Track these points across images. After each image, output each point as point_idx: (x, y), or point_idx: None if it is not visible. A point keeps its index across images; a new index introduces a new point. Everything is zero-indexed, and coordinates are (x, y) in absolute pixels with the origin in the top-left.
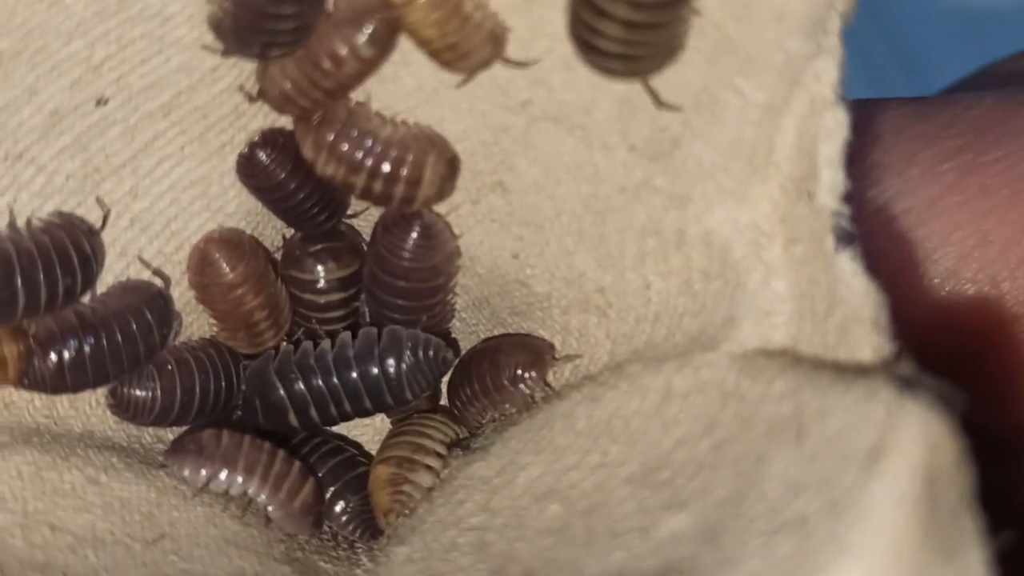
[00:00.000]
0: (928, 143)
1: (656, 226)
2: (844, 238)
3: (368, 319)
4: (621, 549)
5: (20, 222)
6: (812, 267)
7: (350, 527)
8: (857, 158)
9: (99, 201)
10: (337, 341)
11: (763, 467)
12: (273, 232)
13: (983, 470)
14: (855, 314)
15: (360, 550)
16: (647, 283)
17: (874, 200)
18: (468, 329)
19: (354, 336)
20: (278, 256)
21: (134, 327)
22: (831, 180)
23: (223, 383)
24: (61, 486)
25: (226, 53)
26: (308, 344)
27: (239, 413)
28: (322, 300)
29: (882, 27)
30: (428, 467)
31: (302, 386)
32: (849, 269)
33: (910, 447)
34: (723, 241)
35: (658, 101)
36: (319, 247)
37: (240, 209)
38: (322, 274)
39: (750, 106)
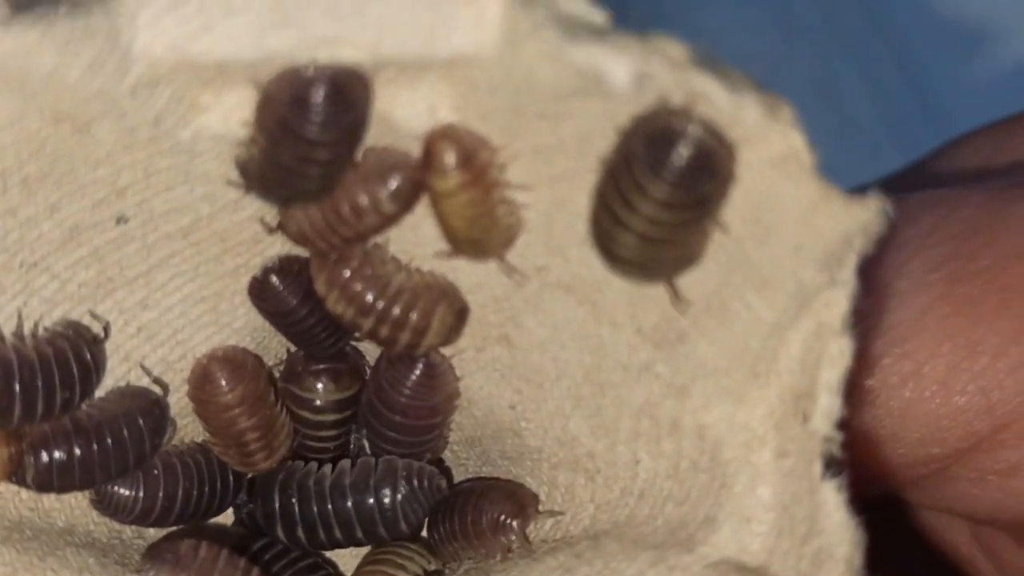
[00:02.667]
0: (915, 252)
1: (652, 409)
2: (833, 466)
3: (368, 450)
4: None
5: (28, 326)
6: (798, 485)
7: None
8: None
9: (95, 316)
10: (337, 468)
11: None
12: (278, 346)
13: None
14: (830, 549)
15: None
16: (637, 459)
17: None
18: (458, 462)
19: (353, 464)
20: (279, 368)
21: (126, 434)
22: (828, 406)
23: (207, 489)
24: None
25: (249, 191)
26: (312, 465)
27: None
28: (316, 419)
29: (885, 37)
30: None
31: (296, 507)
32: (832, 500)
33: None
34: (716, 438)
35: (675, 296)
36: (321, 367)
37: (247, 326)
38: (320, 394)
39: (759, 320)
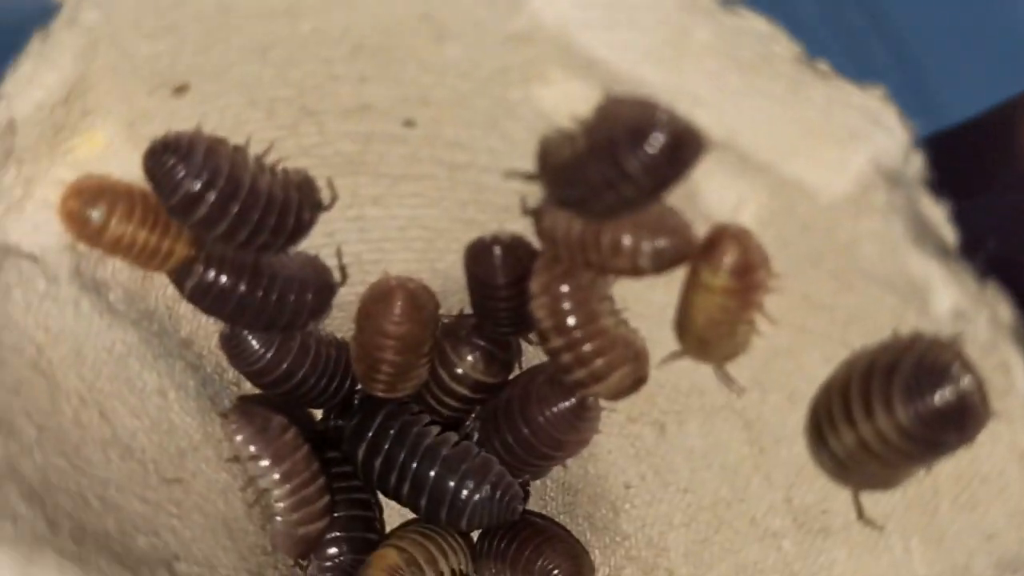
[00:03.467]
0: None
1: (755, 573)
2: None
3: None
4: None
5: (271, 160)
6: None
7: (323, 568)
8: None
9: (331, 187)
10: (442, 435)
11: None
12: (459, 303)
13: None
14: None
15: None
16: None
17: None
18: (545, 497)
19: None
20: (448, 318)
21: (290, 298)
22: None
23: (324, 382)
24: (136, 380)
25: (535, 176)
26: (423, 418)
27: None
28: (450, 385)
29: (886, 37)
30: None
31: (387, 444)
32: None
33: None
34: None
35: (856, 504)
36: (481, 343)
37: (447, 273)
38: (467, 365)
39: (908, 570)
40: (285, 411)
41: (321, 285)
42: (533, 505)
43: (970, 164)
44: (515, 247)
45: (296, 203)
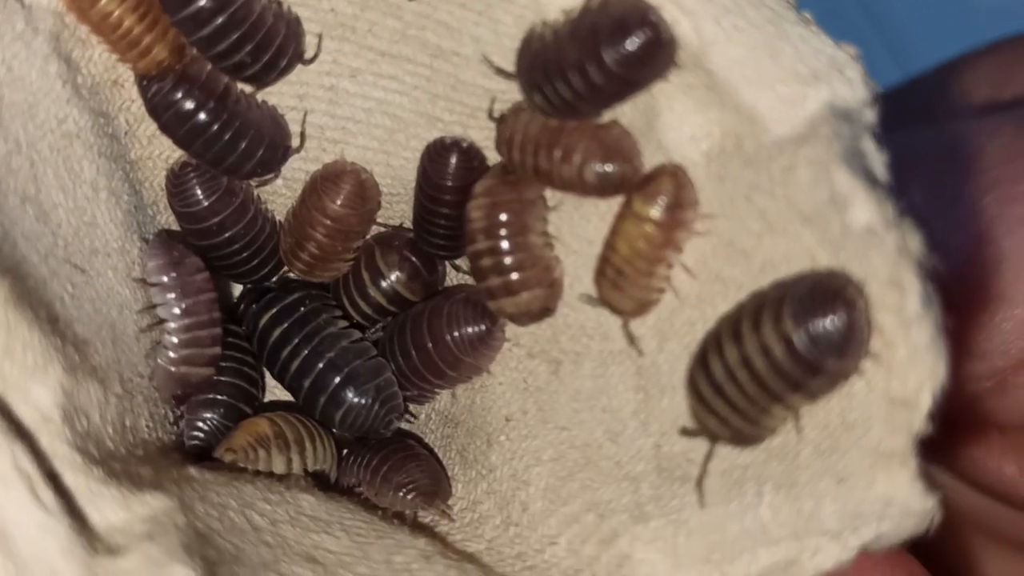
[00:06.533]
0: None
1: (605, 513)
2: None
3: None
4: None
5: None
6: None
7: (195, 425)
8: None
9: (319, 44)
10: (345, 330)
11: None
12: (399, 214)
13: None
14: None
15: None
16: (555, 540)
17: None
18: (424, 427)
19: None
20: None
21: (243, 144)
22: None
23: (251, 252)
24: (75, 162)
25: (513, 70)
26: (335, 312)
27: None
28: (368, 288)
29: (885, 36)
30: (288, 461)
31: (286, 324)
32: None
33: None
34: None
35: (710, 454)
36: (412, 258)
37: (402, 172)
38: (390, 274)
39: (756, 519)
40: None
41: (276, 141)
42: (414, 430)
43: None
44: (472, 155)
45: (281, 39)
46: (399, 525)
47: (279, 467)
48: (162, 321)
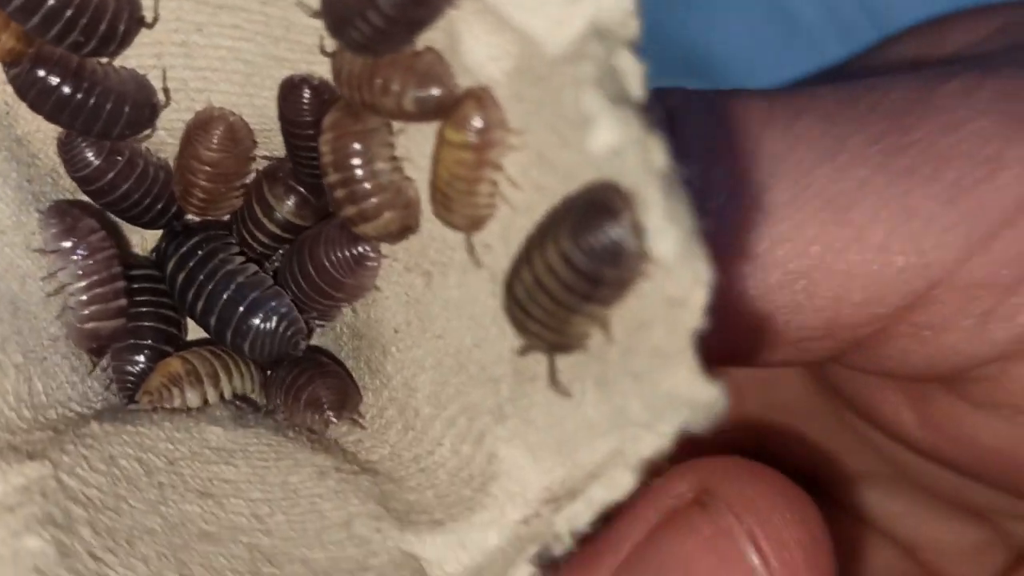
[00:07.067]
0: (856, 129)
1: (475, 414)
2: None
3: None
4: None
5: None
6: (513, 553)
7: (122, 371)
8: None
9: (156, 12)
10: (244, 264)
11: None
12: (279, 144)
13: None
14: None
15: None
16: (441, 442)
17: (810, 185)
18: (339, 342)
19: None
20: (269, 161)
21: (108, 107)
22: (577, 515)
23: (148, 201)
24: None
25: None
26: (233, 249)
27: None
28: (261, 220)
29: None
30: (203, 394)
31: (190, 265)
32: None
33: None
34: (497, 471)
35: (552, 371)
36: (299, 188)
37: (264, 111)
38: (280, 205)
39: (584, 412)
40: (108, 222)
41: (140, 100)
42: (328, 346)
43: None
44: (322, 89)
45: (112, 12)
46: (303, 443)
47: (194, 402)
48: (65, 284)
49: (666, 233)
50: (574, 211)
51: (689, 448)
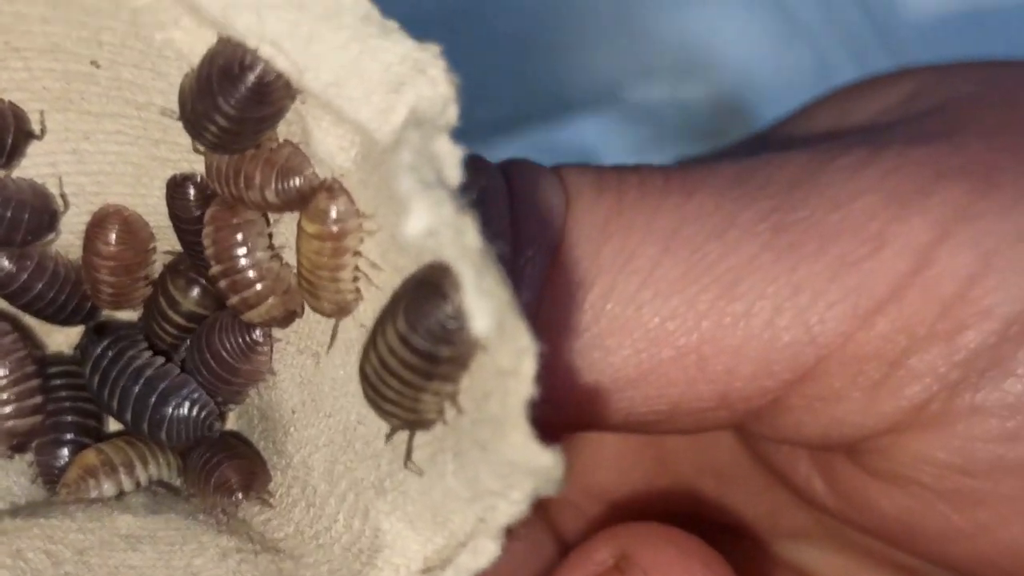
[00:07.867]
0: (746, 205)
1: (359, 491)
2: None
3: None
4: None
5: None
6: None
7: (46, 465)
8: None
9: (43, 123)
10: (151, 358)
11: None
12: (176, 247)
13: None
14: None
15: None
16: (337, 518)
17: (699, 261)
18: (251, 425)
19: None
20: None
21: (8, 215)
22: None
23: (63, 298)
24: None
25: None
26: (141, 343)
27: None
28: (168, 312)
29: (886, 37)
30: (118, 483)
31: (105, 362)
32: None
33: None
34: (380, 545)
35: (408, 450)
36: (203, 281)
37: (156, 208)
38: (184, 297)
39: (452, 487)
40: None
41: (38, 206)
42: (244, 429)
43: None
44: (205, 186)
45: (4, 125)
46: (211, 525)
47: (110, 491)
48: None
49: (481, 309)
50: (408, 292)
51: (620, 513)
